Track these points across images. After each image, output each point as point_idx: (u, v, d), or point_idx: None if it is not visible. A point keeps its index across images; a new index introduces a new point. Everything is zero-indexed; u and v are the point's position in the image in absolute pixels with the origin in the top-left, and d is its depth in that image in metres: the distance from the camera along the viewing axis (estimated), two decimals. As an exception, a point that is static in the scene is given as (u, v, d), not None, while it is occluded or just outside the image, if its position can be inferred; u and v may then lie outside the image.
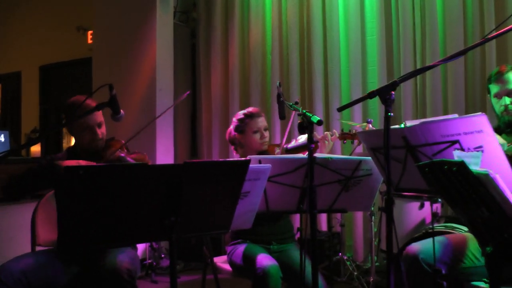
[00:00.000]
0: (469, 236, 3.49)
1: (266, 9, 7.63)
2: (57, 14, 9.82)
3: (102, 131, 3.79)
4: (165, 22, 7.64)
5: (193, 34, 8.55)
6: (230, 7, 7.91)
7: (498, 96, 3.64)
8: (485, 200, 1.94)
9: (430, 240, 3.36)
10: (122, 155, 3.68)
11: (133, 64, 7.60)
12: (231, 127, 4.43)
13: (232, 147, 4.49)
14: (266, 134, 4.37)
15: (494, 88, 3.67)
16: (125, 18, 7.70)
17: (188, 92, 3.73)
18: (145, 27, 7.54)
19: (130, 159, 3.68)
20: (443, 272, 3.27)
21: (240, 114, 4.41)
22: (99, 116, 3.74)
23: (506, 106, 3.59)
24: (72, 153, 3.87)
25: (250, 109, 4.43)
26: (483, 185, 1.89)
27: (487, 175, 1.83)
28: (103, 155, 3.75)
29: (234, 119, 4.42)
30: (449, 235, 3.61)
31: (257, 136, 4.31)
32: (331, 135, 4.35)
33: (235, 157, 4.43)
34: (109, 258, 3.40)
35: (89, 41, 9.04)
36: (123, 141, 3.85)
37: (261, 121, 4.34)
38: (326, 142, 4.39)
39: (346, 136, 4.77)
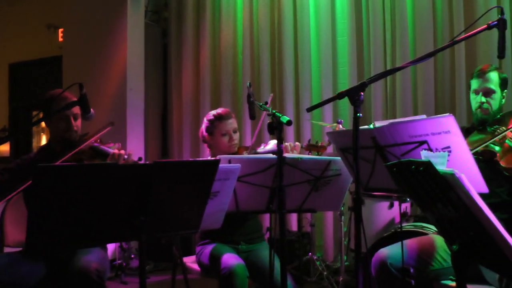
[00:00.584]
0: (437, 238, 3.52)
1: (237, 9, 7.62)
2: (27, 11, 9.67)
3: (77, 124, 3.77)
4: (136, 21, 7.62)
5: (164, 33, 8.52)
6: (201, 7, 7.89)
7: (476, 92, 3.70)
8: (451, 199, 1.96)
9: (398, 244, 3.37)
10: (96, 144, 3.66)
11: (104, 63, 7.56)
12: (202, 127, 4.39)
13: (205, 145, 4.46)
14: (236, 136, 4.30)
15: (474, 84, 3.72)
16: (96, 17, 7.66)
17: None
18: (115, 26, 7.51)
19: (105, 147, 3.66)
20: (412, 271, 3.29)
21: (210, 115, 4.34)
22: (75, 108, 3.70)
23: (481, 103, 3.64)
24: (46, 151, 3.84)
25: (219, 110, 4.35)
26: (449, 185, 1.91)
27: (453, 175, 1.85)
28: (78, 146, 3.70)
29: (205, 120, 4.37)
30: (417, 239, 3.62)
31: (226, 138, 4.25)
32: (292, 147, 4.27)
33: (207, 156, 4.42)
34: (77, 258, 3.38)
35: (60, 39, 8.94)
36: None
37: (230, 123, 4.27)
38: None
39: (312, 148, 4.71)
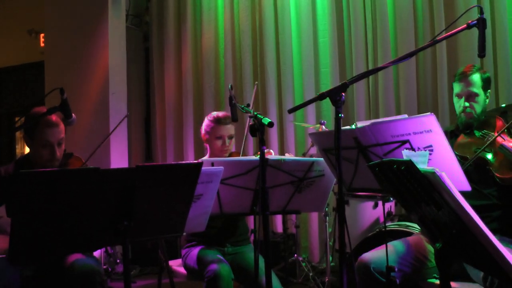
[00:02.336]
0: (423, 237, 3.53)
1: (218, 12, 7.62)
2: (7, 16, 9.58)
3: (61, 151, 3.72)
4: (117, 25, 7.59)
5: (146, 37, 8.51)
6: (182, 10, 7.88)
7: (459, 96, 3.68)
8: (434, 198, 1.97)
9: (381, 248, 3.37)
10: None
11: (86, 68, 7.52)
12: (203, 125, 4.42)
13: (190, 151, 4.50)
14: (230, 142, 4.33)
15: (456, 88, 3.70)
16: (77, 21, 7.61)
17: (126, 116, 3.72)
18: (97, 30, 7.48)
19: None
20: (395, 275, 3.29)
21: (211, 115, 4.38)
22: (61, 132, 3.67)
23: (464, 108, 3.62)
24: (25, 165, 3.78)
25: (220, 114, 4.38)
26: (431, 184, 1.92)
27: (434, 174, 1.85)
28: None
29: (206, 119, 4.41)
30: (404, 240, 3.60)
31: (219, 142, 4.28)
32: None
33: (194, 159, 4.44)
34: (80, 261, 3.42)
35: (42, 45, 8.88)
36: (83, 160, 3.84)
37: (226, 129, 4.28)
38: None
39: None
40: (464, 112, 3.63)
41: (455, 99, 3.74)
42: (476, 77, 3.63)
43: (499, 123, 3.53)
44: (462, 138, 3.65)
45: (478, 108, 3.63)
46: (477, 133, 3.58)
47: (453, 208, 1.86)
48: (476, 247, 1.92)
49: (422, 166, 1.98)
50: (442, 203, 1.92)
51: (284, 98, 6.97)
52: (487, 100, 3.72)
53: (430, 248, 3.40)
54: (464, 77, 3.65)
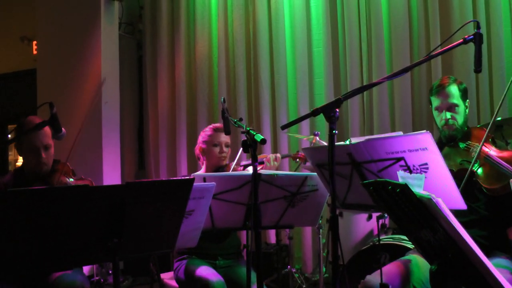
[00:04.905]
0: (414, 260, 3.46)
1: (212, 21, 7.58)
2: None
3: (48, 155, 3.77)
4: (110, 33, 7.54)
5: (139, 45, 8.48)
6: (176, 18, 7.84)
7: (439, 109, 3.64)
8: (429, 222, 1.94)
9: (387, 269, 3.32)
10: (70, 180, 3.69)
11: (79, 76, 7.47)
12: (199, 140, 4.49)
13: (183, 161, 4.53)
14: (226, 150, 4.41)
15: (435, 101, 3.67)
16: (70, 28, 7.56)
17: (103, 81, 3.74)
18: (90, 38, 7.42)
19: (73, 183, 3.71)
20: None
21: (207, 127, 4.50)
22: (46, 138, 3.72)
23: (446, 120, 3.59)
24: (20, 175, 3.86)
25: (217, 124, 4.53)
26: (426, 208, 1.88)
27: (430, 200, 1.82)
28: (50, 180, 3.75)
29: (202, 133, 4.51)
30: (395, 264, 3.54)
31: (217, 149, 4.35)
32: (274, 158, 4.37)
33: (187, 168, 4.45)
34: (64, 278, 3.40)
35: (34, 52, 8.83)
36: (68, 164, 3.83)
37: (224, 137, 4.34)
38: (268, 164, 4.45)
39: (298, 157, 4.79)
40: (447, 125, 3.60)
41: (435, 113, 3.70)
42: (454, 88, 3.61)
43: (482, 133, 3.47)
44: (446, 150, 3.63)
45: (460, 119, 3.61)
46: (461, 145, 3.56)
47: (449, 233, 1.83)
48: (471, 271, 1.89)
49: (418, 190, 1.94)
50: (438, 228, 1.89)
51: (278, 107, 6.92)
52: (467, 110, 3.69)
53: (418, 274, 3.35)
54: (442, 90, 3.62)
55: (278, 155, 4.56)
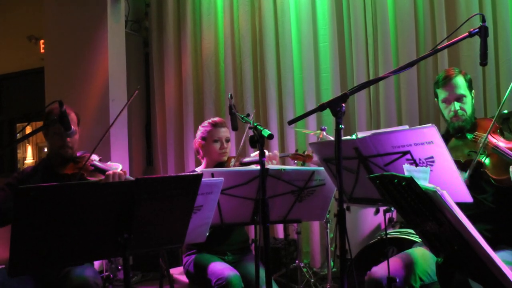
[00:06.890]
0: (419, 253, 3.48)
1: (218, 17, 7.60)
2: (7, 23, 9.56)
3: (73, 140, 3.89)
4: (116, 31, 7.56)
5: (145, 43, 8.50)
6: (182, 15, 7.86)
7: (447, 102, 3.65)
8: (435, 215, 1.95)
9: (392, 262, 3.33)
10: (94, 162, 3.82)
11: (86, 74, 7.50)
12: (197, 134, 4.46)
13: (190, 157, 4.51)
14: (227, 145, 4.39)
15: (442, 94, 3.68)
16: (76, 27, 7.59)
17: (137, 90, 3.74)
18: (96, 36, 7.45)
19: (102, 165, 3.80)
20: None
21: (206, 122, 4.46)
22: (71, 123, 3.70)
23: (456, 111, 3.59)
24: (45, 164, 3.97)
25: (215, 118, 4.48)
26: (432, 201, 1.90)
27: (435, 192, 1.84)
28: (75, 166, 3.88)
29: (200, 127, 4.47)
30: (400, 257, 3.54)
31: (217, 145, 4.33)
32: (271, 156, 4.29)
33: (194, 164, 4.45)
34: (76, 273, 3.44)
35: (42, 51, 8.85)
36: (87, 154, 3.92)
37: (223, 132, 4.35)
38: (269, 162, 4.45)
39: (297, 157, 4.74)
40: (456, 116, 3.61)
41: (442, 105, 3.71)
42: (460, 79, 3.62)
43: (489, 123, 3.47)
44: (453, 142, 3.63)
45: (468, 109, 3.63)
46: (469, 136, 3.54)
47: (455, 225, 1.85)
48: (477, 263, 1.91)
49: (423, 182, 1.96)
50: (444, 220, 1.91)
51: (285, 102, 6.93)
52: (473, 101, 3.70)
53: (423, 266, 3.36)
54: (448, 81, 3.63)
55: (276, 152, 4.50)
